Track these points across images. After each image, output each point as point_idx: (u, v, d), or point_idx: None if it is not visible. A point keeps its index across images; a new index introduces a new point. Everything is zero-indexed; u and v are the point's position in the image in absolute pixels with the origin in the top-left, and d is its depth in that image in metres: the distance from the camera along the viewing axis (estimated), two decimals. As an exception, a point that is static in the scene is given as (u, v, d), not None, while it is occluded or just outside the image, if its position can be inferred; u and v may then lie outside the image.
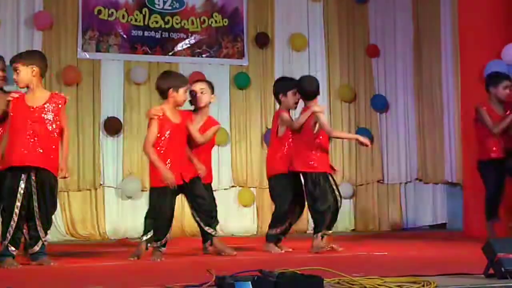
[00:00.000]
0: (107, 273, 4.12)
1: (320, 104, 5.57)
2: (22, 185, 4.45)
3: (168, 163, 4.81)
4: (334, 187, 5.30)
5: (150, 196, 4.97)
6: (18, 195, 4.43)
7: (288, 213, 5.43)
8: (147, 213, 5.07)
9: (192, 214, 5.06)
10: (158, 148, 4.85)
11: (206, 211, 5.03)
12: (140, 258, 4.87)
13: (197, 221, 5.07)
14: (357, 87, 8.44)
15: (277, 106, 7.57)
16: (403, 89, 8.54)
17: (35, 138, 4.47)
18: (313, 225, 5.46)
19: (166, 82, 5.02)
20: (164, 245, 4.85)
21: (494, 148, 5.86)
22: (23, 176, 4.46)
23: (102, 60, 7.68)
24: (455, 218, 7.99)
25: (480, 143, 6.01)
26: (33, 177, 4.48)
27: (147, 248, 4.95)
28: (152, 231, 4.92)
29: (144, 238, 4.97)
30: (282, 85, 5.64)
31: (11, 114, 4.54)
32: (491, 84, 5.98)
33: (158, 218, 4.86)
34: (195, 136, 5.09)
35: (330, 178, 5.30)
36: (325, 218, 5.25)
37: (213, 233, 5.06)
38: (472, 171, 6.87)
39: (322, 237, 5.27)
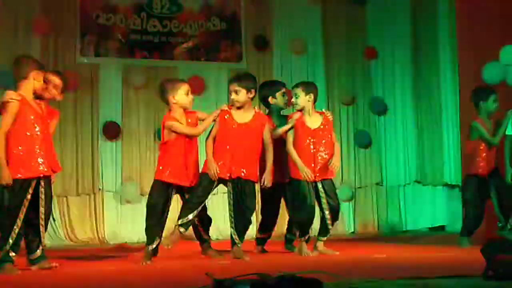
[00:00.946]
0: (106, 278, 4.12)
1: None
2: (31, 191, 4.46)
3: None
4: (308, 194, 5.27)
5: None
6: (25, 201, 4.45)
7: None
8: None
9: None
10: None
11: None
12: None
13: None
14: (356, 89, 8.45)
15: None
16: (402, 91, 8.54)
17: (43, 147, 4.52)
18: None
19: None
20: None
21: (481, 164, 5.87)
22: (32, 183, 4.48)
23: (101, 65, 7.68)
24: (454, 220, 7.99)
25: (470, 158, 6.01)
26: (41, 184, 4.51)
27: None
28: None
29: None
30: (269, 89, 5.70)
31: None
32: (480, 99, 5.98)
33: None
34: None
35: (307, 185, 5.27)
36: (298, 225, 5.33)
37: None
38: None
39: (307, 241, 5.31)
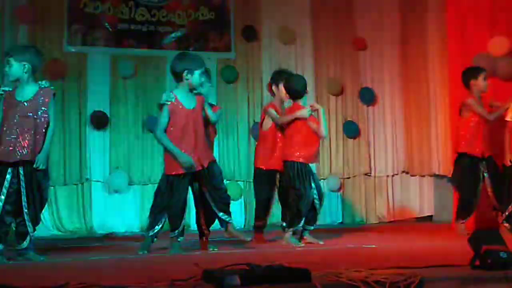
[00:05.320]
0: (94, 268, 4.11)
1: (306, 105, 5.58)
2: (9, 179, 4.41)
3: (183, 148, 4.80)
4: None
5: (162, 185, 4.88)
6: (4, 189, 4.40)
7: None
8: (153, 206, 4.96)
9: (206, 201, 4.96)
10: (171, 135, 4.79)
11: (222, 198, 4.98)
12: (150, 251, 4.84)
13: (212, 208, 4.99)
14: (344, 80, 8.45)
15: (265, 99, 7.65)
16: (390, 82, 8.56)
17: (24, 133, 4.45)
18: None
19: (181, 64, 4.91)
20: (182, 235, 4.86)
21: (474, 143, 5.89)
22: (9, 170, 4.42)
23: (88, 54, 7.63)
24: (441, 210, 8.04)
25: (463, 137, 6.02)
26: (22, 172, 4.44)
27: (152, 241, 4.91)
28: (159, 225, 4.88)
29: (151, 233, 4.90)
30: (278, 76, 5.73)
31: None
32: (471, 77, 6.00)
33: (172, 207, 4.81)
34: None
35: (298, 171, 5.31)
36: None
37: (227, 219, 5.00)
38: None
39: (294, 232, 5.33)
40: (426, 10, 8.18)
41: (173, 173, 4.81)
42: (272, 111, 5.64)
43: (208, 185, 4.92)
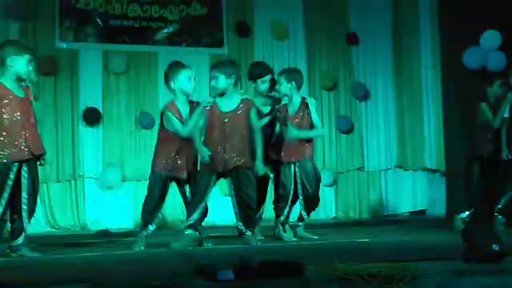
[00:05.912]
0: (88, 264, 4.10)
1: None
2: (12, 176, 4.41)
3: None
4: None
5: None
6: (6, 186, 4.40)
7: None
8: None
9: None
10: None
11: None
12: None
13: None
14: (337, 75, 8.46)
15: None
16: (383, 77, 8.57)
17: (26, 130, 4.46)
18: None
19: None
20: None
21: (484, 146, 5.98)
22: (13, 168, 4.42)
23: (80, 50, 7.60)
24: (435, 204, 8.07)
25: (475, 139, 6.14)
26: (25, 169, 4.45)
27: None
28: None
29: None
30: (255, 71, 5.63)
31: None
32: (487, 85, 6.18)
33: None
34: None
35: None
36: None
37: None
38: (455, 158, 6.96)
39: (283, 225, 5.32)
40: (418, 3, 8.20)
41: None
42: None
43: (239, 190, 4.88)
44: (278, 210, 5.36)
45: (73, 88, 7.51)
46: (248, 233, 4.92)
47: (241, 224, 4.90)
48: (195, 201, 4.86)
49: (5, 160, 4.39)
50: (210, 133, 4.93)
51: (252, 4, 8.21)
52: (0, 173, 4.39)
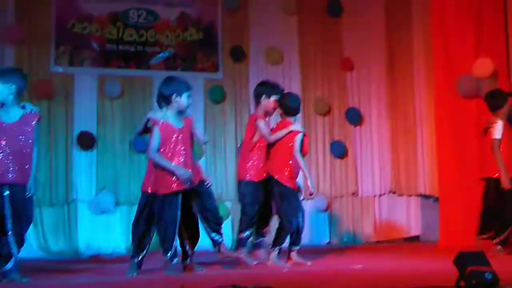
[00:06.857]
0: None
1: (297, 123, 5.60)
2: None
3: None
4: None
5: (155, 206, 4.85)
6: None
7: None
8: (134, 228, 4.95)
9: (194, 222, 4.94)
10: (162, 155, 4.83)
11: (214, 218, 4.97)
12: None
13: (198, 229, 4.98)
14: (332, 100, 8.49)
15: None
16: (377, 102, 8.61)
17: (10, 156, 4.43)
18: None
19: (170, 88, 4.99)
20: (176, 256, 4.82)
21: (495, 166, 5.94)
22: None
23: (76, 74, 7.62)
24: (428, 230, 8.05)
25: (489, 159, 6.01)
26: (7, 194, 4.42)
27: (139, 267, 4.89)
28: (145, 250, 4.88)
29: (140, 257, 4.89)
30: (268, 88, 5.66)
31: None
32: (499, 107, 6.02)
33: (167, 226, 4.76)
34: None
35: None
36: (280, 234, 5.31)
37: (220, 240, 4.98)
38: (448, 183, 6.96)
39: (279, 251, 5.30)
40: (412, 30, 8.27)
41: (167, 192, 4.79)
42: (263, 125, 5.56)
43: (200, 205, 4.92)
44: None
45: (67, 112, 7.51)
46: (224, 241, 4.97)
47: (213, 234, 4.92)
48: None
49: None
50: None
51: (247, 29, 8.27)
52: None
